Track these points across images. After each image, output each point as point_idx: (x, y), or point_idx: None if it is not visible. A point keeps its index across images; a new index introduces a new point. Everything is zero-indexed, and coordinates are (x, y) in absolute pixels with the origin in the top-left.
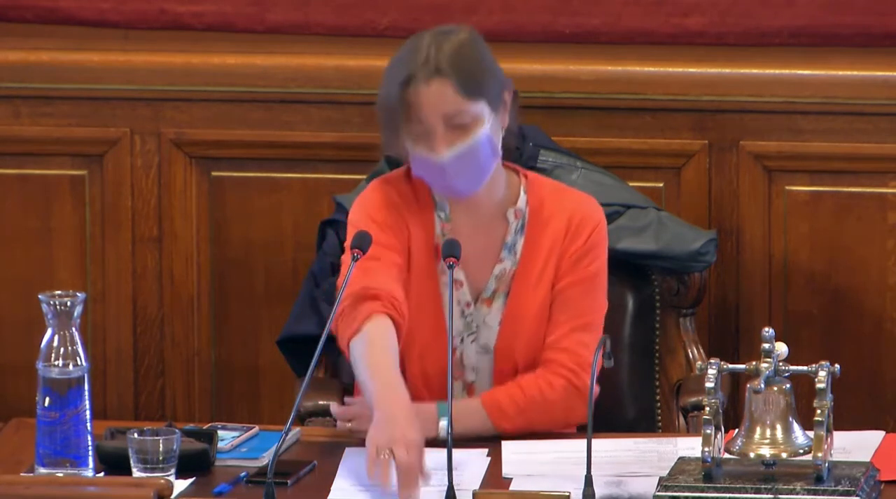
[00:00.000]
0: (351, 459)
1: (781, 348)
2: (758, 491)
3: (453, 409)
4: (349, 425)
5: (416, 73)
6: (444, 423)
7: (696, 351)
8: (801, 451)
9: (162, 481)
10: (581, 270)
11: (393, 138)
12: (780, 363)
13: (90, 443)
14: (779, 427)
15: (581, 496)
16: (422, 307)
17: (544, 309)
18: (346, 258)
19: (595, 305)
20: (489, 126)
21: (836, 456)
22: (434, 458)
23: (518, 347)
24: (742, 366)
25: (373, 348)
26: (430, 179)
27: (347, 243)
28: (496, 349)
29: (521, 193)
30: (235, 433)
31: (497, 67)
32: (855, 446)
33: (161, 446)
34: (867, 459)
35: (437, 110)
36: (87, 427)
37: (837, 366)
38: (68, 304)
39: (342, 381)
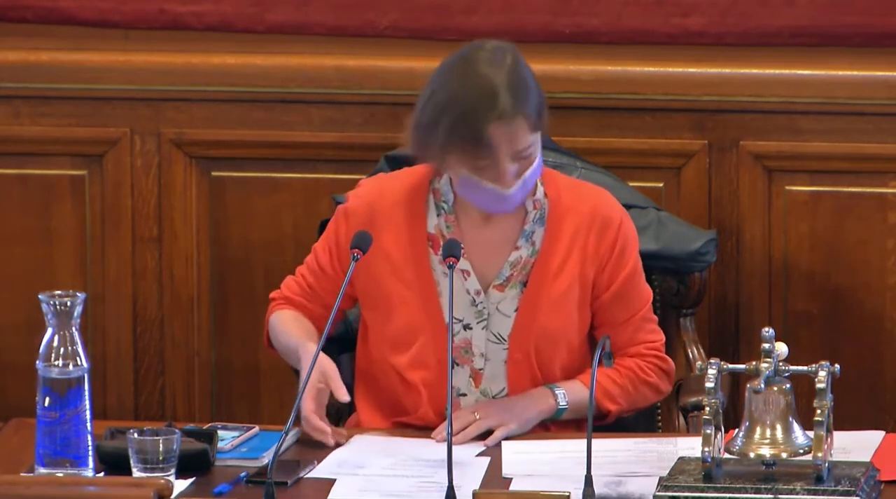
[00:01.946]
0: (347, 457)
1: (781, 348)
2: (758, 491)
3: (566, 389)
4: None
5: (500, 115)
6: (561, 400)
7: (696, 351)
8: (801, 451)
9: (162, 481)
10: (624, 266)
11: (435, 156)
12: (780, 363)
13: (90, 443)
14: (779, 427)
15: (581, 496)
16: (413, 295)
17: (563, 300)
18: (318, 246)
19: (645, 292)
20: (541, 148)
21: (836, 456)
22: (435, 457)
23: (534, 336)
24: (742, 366)
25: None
26: (483, 203)
27: (324, 239)
28: (511, 338)
29: (539, 184)
30: (235, 433)
31: (538, 84)
32: (855, 446)
33: (161, 446)
34: (867, 459)
35: (511, 149)
36: (87, 427)
37: (837, 366)
38: (68, 304)
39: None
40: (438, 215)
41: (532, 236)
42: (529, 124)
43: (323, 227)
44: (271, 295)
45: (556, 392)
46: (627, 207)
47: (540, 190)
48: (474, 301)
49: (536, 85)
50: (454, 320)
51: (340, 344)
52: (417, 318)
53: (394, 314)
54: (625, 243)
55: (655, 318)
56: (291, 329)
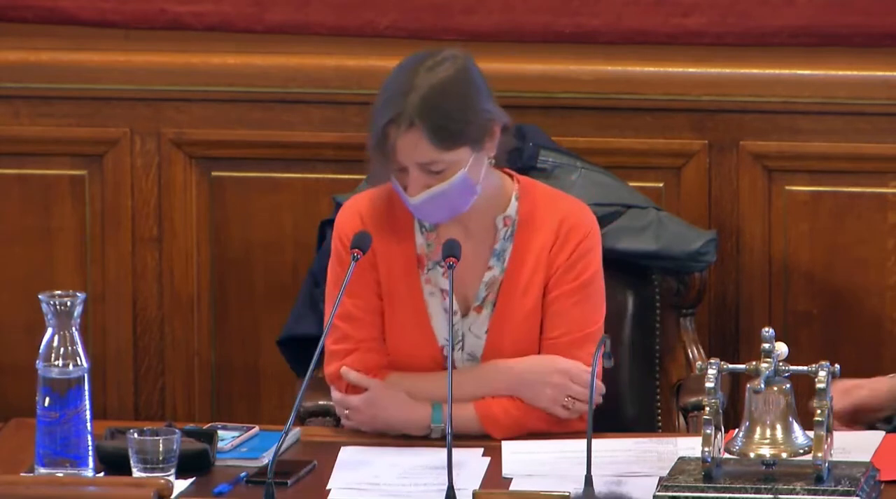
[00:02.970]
0: (347, 458)
1: (781, 348)
2: (758, 491)
3: (444, 412)
4: (346, 412)
5: (395, 118)
6: (434, 425)
7: (696, 351)
8: (801, 451)
9: (162, 481)
10: (571, 280)
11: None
12: (780, 363)
13: (90, 443)
14: (779, 427)
15: (581, 496)
16: (405, 317)
17: (532, 317)
18: (329, 291)
19: (590, 315)
20: (468, 167)
21: (836, 456)
22: (434, 458)
23: (505, 355)
24: (742, 366)
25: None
26: (410, 209)
27: (329, 277)
28: (483, 358)
29: (513, 199)
30: (235, 433)
31: (484, 106)
32: (855, 446)
33: (161, 446)
34: (867, 459)
35: (410, 158)
36: (87, 427)
37: (837, 366)
38: (68, 304)
39: None
40: (421, 234)
41: (503, 254)
42: (430, 137)
43: (323, 227)
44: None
45: (433, 414)
46: (627, 206)
47: (512, 206)
48: (451, 321)
49: (475, 106)
50: (444, 341)
51: None
52: (413, 341)
53: (389, 336)
54: (580, 257)
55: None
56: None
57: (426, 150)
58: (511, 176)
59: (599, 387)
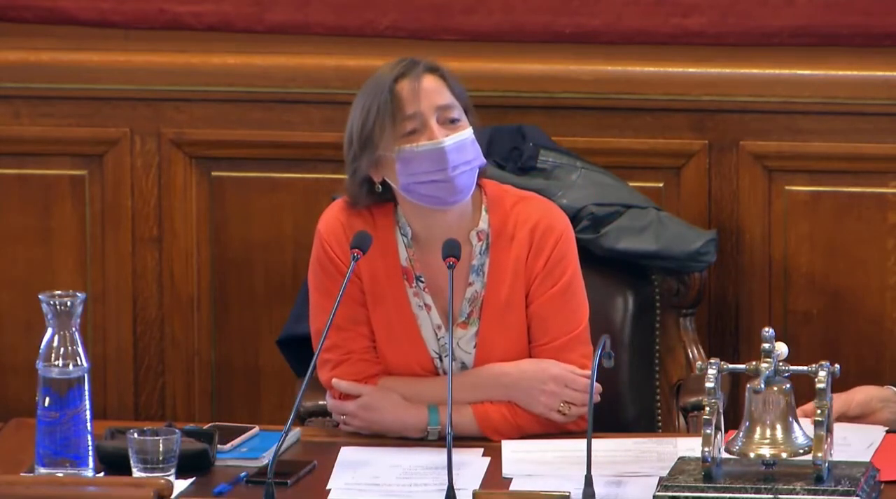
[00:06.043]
0: (347, 458)
1: (781, 348)
2: (758, 491)
3: (443, 415)
4: (343, 417)
5: (407, 70)
6: (430, 427)
7: (696, 351)
8: (801, 451)
9: (162, 481)
10: (551, 285)
11: (369, 154)
12: (780, 363)
13: (90, 443)
14: (779, 427)
15: (581, 496)
16: (395, 330)
17: (518, 328)
18: (315, 307)
19: (574, 317)
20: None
21: (837, 446)
22: (434, 458)
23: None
24: (742, 366)
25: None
26: (428, 177)
27: (313, 296)
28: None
29: (483, 211)
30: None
31: None
32: (856, 437)
33: (161, 446)
34: (868, 451)
35: (431, 100)
36: (87, 427)
37: (837, 366)
38: (68, 304)
39: None
40: (404, 247)
41: (482, 269)
42: (447, 84)
43: None
44: (331, 391)
45: (430, 415)
46: (627, 206)
47: (484, 219)
48: (436, 335)
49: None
50: (433, 354)
51: None
52: (404, 354)
53: (379, 348)
54: (557, 260)
55: (586, 348)
56: (412, 386)
57: (446, 93)
58: (479, 186)
59: (596, 387)
